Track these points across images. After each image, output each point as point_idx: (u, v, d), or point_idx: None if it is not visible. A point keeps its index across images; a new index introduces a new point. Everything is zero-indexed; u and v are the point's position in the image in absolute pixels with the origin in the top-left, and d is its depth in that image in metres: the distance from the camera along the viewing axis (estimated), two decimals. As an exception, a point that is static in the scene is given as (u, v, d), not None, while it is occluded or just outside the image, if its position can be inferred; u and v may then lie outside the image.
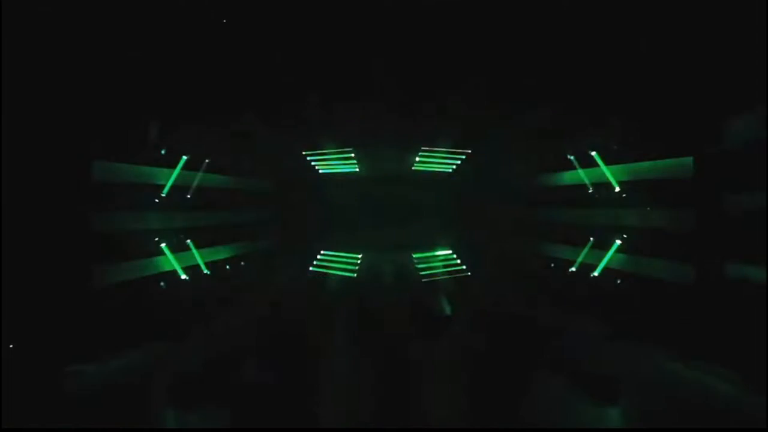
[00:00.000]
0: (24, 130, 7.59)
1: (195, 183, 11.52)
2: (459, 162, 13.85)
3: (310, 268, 13.61)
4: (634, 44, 8.47)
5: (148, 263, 10.31)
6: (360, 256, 13.83)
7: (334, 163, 13.92)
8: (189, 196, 11.42)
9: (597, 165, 10.61)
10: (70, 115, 8.23)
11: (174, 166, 10.86)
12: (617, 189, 10.20)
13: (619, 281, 10.18)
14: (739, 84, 7.30)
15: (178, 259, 10.83)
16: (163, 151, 10.61)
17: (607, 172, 10.37)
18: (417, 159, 13.70)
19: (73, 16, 7.76)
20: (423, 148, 13.39)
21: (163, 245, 10.53)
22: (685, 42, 7.93)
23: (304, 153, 13.62)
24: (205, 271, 11.56)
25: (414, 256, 13.99)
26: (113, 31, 8.13)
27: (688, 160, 8.36)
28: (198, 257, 11.45)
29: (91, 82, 8.44)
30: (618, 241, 10.13)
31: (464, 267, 13.53)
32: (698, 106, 8.01)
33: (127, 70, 8.72)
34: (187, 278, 10.94)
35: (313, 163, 13.91)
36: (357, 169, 13.98)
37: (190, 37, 8.79)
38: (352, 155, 13.55)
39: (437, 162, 13.87)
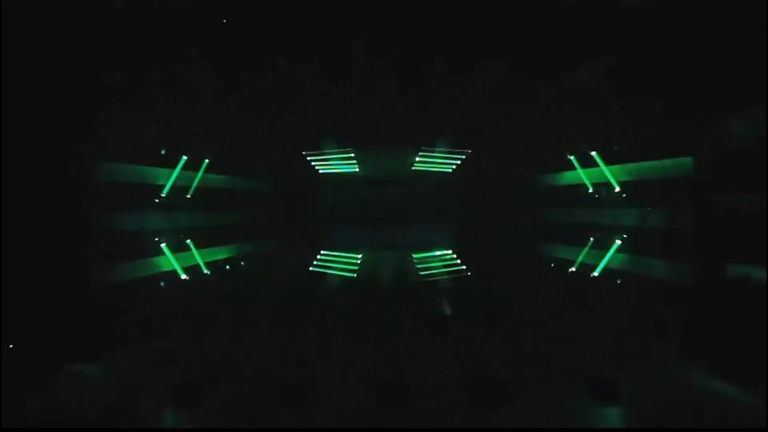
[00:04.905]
0: (24, 131, 7.60)
1: (195, 183, 11.54)
2: (459, 162, 13.86)
3: (310, 268, 13.62)
4: (635, 44, 8.48)
5: (149, 263, 10.32)
6: (359, 256, 13.84)
7: (334, 164, 13.92)
8: (189, 197, 11.44)
9: (597, 165, 10.62)
10: (69, 116, 8.24)
11: (174, 167, 10.88)
12: (617, 189, 10.20)
13: (619, 281, 10.18)
14: (739, 84, 7.30)
15: (178, 259, 10.84)
16: (163, 151, 10.64)
17: (607, 172, 10.37)
18: (417, 159, 13.69)
19: (71, 16, 7.76)
20: (423, 148, 13.36)
21: (163, 245, 10.55)
22: (685, 41, 7.93)
23: (303, 153, 13.60)
24: (205, 271, 11.56)
25: (414, 256, 14.00)
26: (111, 31, 8.14)
27: (688, 160, 8.36)
28: (198, 257, 11.47)
29: (89, 82, 8.45)
30: (618, 242, 10.13)
31: (464, 267, 13.53)
32: (698, 106, 8.01)
33: (125, 69, 8.74)
34: (188, 278, 10.95)
35: (313, 163, 13.91)
36: (357, 170, 13.97)
37: (188, 36, 8.80)
38: (352, 155, 13.52)
39: (437, 162, 13.87)
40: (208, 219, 12.14)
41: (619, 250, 10.18)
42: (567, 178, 11.86)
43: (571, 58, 9.25)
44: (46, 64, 7.76)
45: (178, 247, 10.98)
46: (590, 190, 11.06)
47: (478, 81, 10.62)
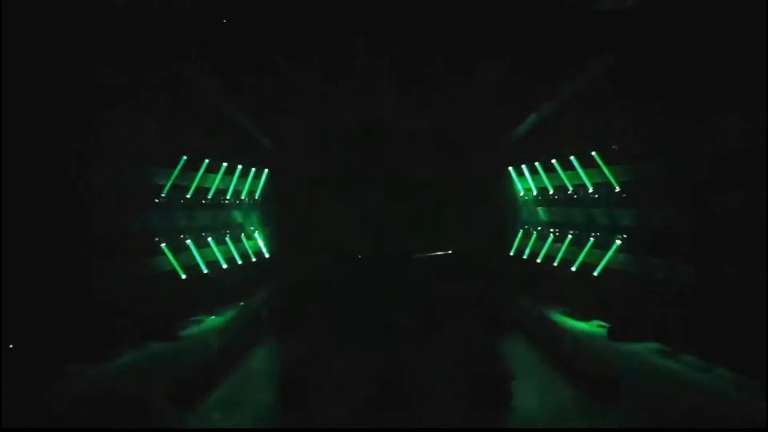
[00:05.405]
0: (24, 131, 7.60)
1: (195, 183, 11.54)
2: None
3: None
4: (635, 44, 8.48)
5: (148, 263, 10.31)
6: (359, 257, 13.69)
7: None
8: (188, 196, 11.43)
9: (597, 165, 10.61)
10: (69, 116, 8.25)
11: (174, 167, 10.87)
12: (617, 189, 10.20)
13: (618, 281, 10.17)
14: (739, 84, 7.30)
15: (177, 259, 10.84)
16: (164, 153, 10.64)
17: (607, 172, 10.36)
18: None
19: (70, 19, 7.77)
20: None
21: (163, 245, 10.55)
22: (685, 42, 7.93)
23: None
24: (205, 271, 11.56)
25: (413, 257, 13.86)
26: (111, 32, 8.14)
27: (688, 160, 8.35)
28: (198, 257, 11.48)
29: (90, 83, 8.45)
30: (618, 241, 10.12)
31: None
32: (698, 106, 8.01)
33: (125, 69, 8.74)
34: (186, 277, 10.94)
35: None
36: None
37: (188, 36, 8.79)
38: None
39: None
40: (207, 219, 12.14)
41: (619, 249, 10.17)
42: (567, 178, 11.86)
43: (571, 59, 9.26)
44: (46, 65, 7.77)
45: (177, 247, 10.98)
46: (590, 190, 11.07)
47: (478, 81, 10.63)
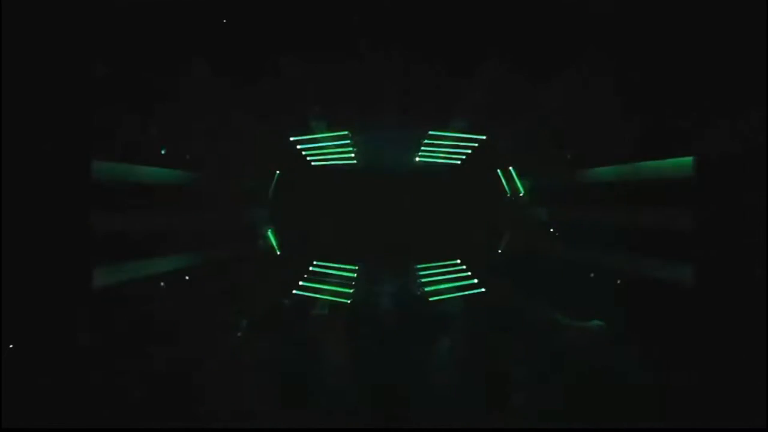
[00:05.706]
0: (23, 130, 7.60)
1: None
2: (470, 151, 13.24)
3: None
4: (636, 43, 8.49)
5: (148, 263, 10.31)
6: (356, 268, 13.29)
7: (328, 153, 13.06)
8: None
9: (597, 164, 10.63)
10: (69, 115, 8.24)
11: (174, 166, 10.87)
12: (618, 189, 10.20)
13: (618, 281, 10.18)
14: (739, 84, 7.31)
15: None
16: (162, 151, 10.63)
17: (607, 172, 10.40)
18: (422, 147, 13.02)
19: (69, 16, 7.77)
20: (430, 132, 12.69)
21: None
22: (685, 42, 7.94)
23: (292, 139, 12.75)
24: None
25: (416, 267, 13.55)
26: (112, 31, 8.15)
27: (688, 160, 8.36)
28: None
29: (89, 82, 8.45)
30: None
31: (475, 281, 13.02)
32: (698, 106, 8.02)
33: (125, 68, 8.74)
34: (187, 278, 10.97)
35: (303, 153, 13.24)
36: (355, 161, 13.28)
37: (189, 36, 8.79)
38: (348, 141, 12.55)
39: (445, 151, 13.18)
40: (208, 219, 12.13)
41: (620, 250, 10.18)
42: (565, 177, 11.88)
43: (571, 58, 9.26)
44: (46, 64, 7.77)
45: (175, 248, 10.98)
46: (590, 190, 11.08)
47: (477, 81, 10.62)
